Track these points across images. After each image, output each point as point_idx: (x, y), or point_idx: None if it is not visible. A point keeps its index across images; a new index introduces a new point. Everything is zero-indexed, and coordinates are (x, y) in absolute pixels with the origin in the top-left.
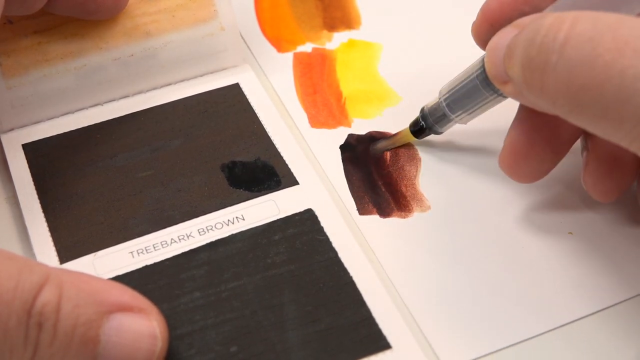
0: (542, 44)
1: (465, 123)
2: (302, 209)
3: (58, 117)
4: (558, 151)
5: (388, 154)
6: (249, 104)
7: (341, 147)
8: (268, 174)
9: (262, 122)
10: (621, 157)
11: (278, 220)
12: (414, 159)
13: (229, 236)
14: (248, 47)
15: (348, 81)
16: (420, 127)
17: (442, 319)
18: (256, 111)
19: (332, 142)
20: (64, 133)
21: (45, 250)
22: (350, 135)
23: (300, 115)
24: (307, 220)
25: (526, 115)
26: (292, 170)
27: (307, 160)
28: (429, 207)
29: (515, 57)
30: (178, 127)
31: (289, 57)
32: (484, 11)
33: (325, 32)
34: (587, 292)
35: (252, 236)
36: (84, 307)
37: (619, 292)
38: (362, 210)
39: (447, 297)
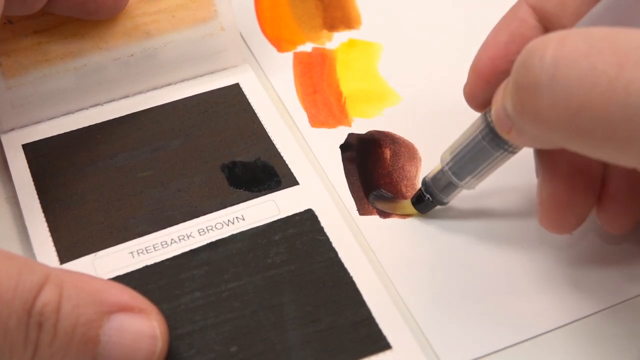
0: (527, 64)
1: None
2: (302, 209)
3: (58, 117)
4: (595, 188)
5: (388, 154)
6: (249, 104)
7: (341, 146)
8: (268, 174)
9: (262, 122)
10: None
11: (278, 220)
12: (414, 159)
13: (229, 236)
14: (248, 47)
15: (348, 81)
16: (426, 201)
17: (442, 319)
18: (256, 111)
19: (332, 141)
20: (64, 133)
21: (45, 250)
22: (351, 135)
23: (300, 115)
24: (307, 221)
25: (551, 165)
26: (292, 170)
27: (307, 160)
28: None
29: (508, 87)
30: (178, 127)
31: (289, 56)
32: (475, 70)
33: (325, 31)
34: (587, 292)
35: (252, 236)
36: (84, 307)
37: (619, 292)
38: (362, 210)
39: (447, 297)
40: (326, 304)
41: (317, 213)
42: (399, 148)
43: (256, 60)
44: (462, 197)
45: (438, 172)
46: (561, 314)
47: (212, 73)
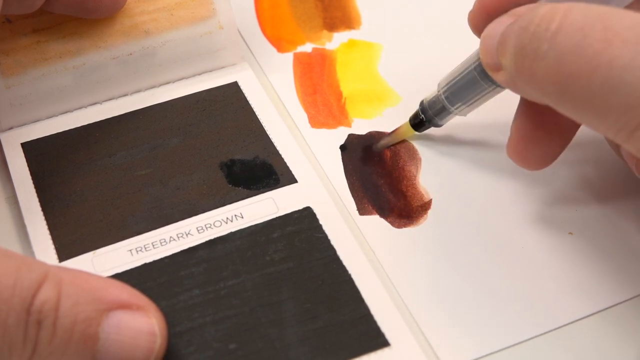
0: (535, 33)
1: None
2: (300, 207)
3: (57, 115)
4: (565, 133)
5: (388, 154)
6: (247, 102)
7: (341, 147)
8: (267, 172)
9: (261, 121)
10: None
11: (277, 218)
12: (414, 159)
13: (228, 234)
14: (248, 47)
15: (348, 81)
16: (420, 120)
17: (442, 319)
18: (254, 109)
19: (332, 142)
20: (63, 132)
21: (44, 248)
22: (351, 135)
23: (300, 115)
24: (305, 218)
25: (529, 101)
26: (291, 168)
27: (306, 159)
28: (430, 207)
29: (508, 45)
30: (177, 126)
31: (289, 57)
32: (480, 1)
33: (325, 32)
34: (587, 292)
35: (250, 234)
36: (83, 305)
37: (619, 292)
38: (362, 210)
39: (447, 297)
40: (325, 301)
41: (315, 211)
42: (398, 148)
43: (256, 61)
44: (463, 197)
45: (434, 96)
46: (561, 314)
47: (210, 71)
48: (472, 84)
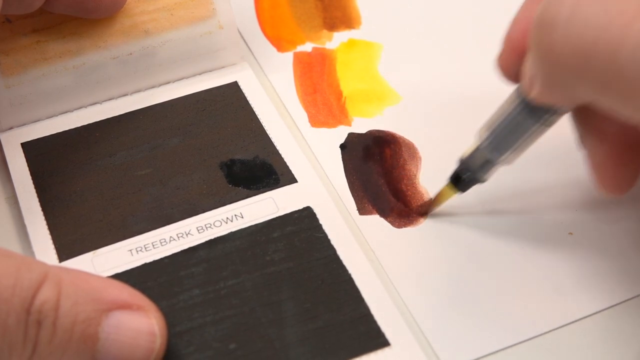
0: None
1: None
2: (300, 207)
3: (57, 115)
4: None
5: (388, 153)
6: (247, 102)
7: (341, 146)
8: (267, 172)
9: (261, 121)
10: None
11: (277, 218)
12: (415, 158)
13: (228, 234)
14: (248, 46)
15: (348, 80)
16: (463, 180)
17: (442, 319)
18: (254, 109)
19: (332, 141)
20: (63, 132)
21: (44, 248)
22: (351, 134)
23: (300, 115)
24: (305, 218)
25: (597, 129)
26: (291, 168)
27: (306, 159)
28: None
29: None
30: (177, 126)
31: (289, 56)
32: (508, 41)
33: (325, 31)
34: (587, 292)
35: (250, 234)
36: (83, 305)
37: (618, 292)
38: (362, 210)
39: (447, 297)
40: (325, 301)
41: (315, 211)
42: (399, 147)
43: (256, 60)
44: (463, 196)
45: (474, 150)
46: (561, 314)
47: (210, 71)
48: (518, 126)
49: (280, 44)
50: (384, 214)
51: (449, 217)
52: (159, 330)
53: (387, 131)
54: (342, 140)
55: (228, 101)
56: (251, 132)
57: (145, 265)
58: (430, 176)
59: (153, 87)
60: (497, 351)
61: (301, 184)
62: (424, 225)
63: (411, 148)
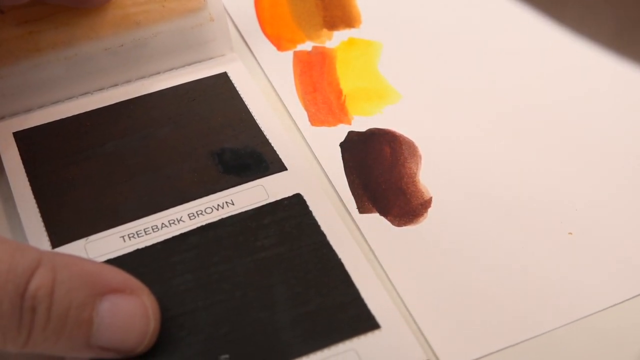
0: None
1: None
2: (290, 194)
3: (48, 105)
4: None
5: (388, 151)
6: (237, 92)
7: (341, 144)
8: (257, 160)
9: (250, 110)
10: None
11: (267, 204)
12: (415, 156)
13: (219, 220)
14: (248, 46)
15: (348, 79)
16: None
17: (442, 318)
18: (244, 99)
19: (332, 140)
20: (55, 121)
21: (37, 235)
22: (351, 133)
23: (300, 114)
24: (295, 205)
25: None
26: (281, 156)
27: (295, 147)
28: (430, 205)
29: None
30: (167, 115)
31: (289, 55)
32: None
33: (325, 30)
34: (587, 292)
35: (241, 220)
36: (77, 290)
37: (619, 292)
38: (362, 208)
39: (447, 296)
40: (315, 285)
41: (305, 198)
42: (399, 146)
43: (256, 60)
44: (463, 195)
45: None
46: (560, 314)
47: (200, 62)
48: None
49: (280, 43)
50: (384, 212)
51: (450, 216)
52: (152, 314)
53: (387, 129)
54: (342, 139)
55: (218, 91)
56: (241, 122)
57: (137, 251)
58: (430, 174)
59: (143, 77)
60: (497, 351)
61: (291, 172)
62: (425, 224)
63: (411, 146)
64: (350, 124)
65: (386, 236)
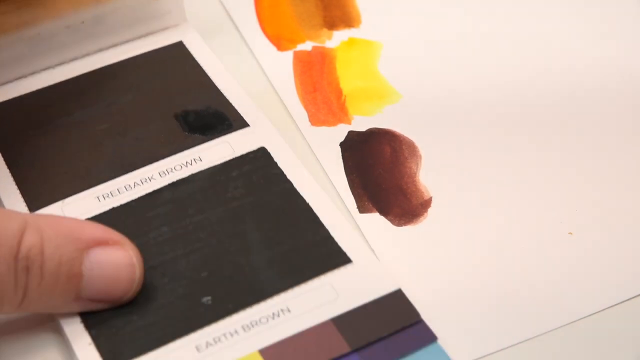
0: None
1: None
2: (255, 148)
3: (12, 81)
4: None
5: (388, 150)
6: (194, 59)
7: (341, 144)
8: (219, 119)
9: (209, 74)
10: None
11: (234, 159)
12: (415, 156)
13: (189, 176)
14: (248, 45)
15: (348, 79)
16: None
17: (442, 317)
18: (201, 65)
19: (332, 139)
20: (20, 96)
21: (14, 202)
22: (351, 132)
23: (300, 114)
24: (261, 157)
25: None
26: (242, 114)
27: (255, 105)
28: (430, 204)
29: None
30: (128, 84)
31: (289, 55)
32: None
33: (325, 30)
34: (587, 292)
35: (210, 175)
36: (65, 247)
37: (619, 292)
38: (362, 208)
39: (447, 296)
40: (286, 228)
41: (269, 150)
42: (399, 145)
43: (256, 59)
44: (463, 195)
45: None
46: (560, 314)
47: (156, 32)
48: None
49: (280, 43)
50: (384, 212)
51: (450, 216)
52: (137, 262)
53: (387, 129)
54: (342, 139)
55: (175, 59)
56: (201, 85)
57: (113, 209)
58: (430, 174)
59: (101, 50)
60: (497, 351)
61: (253, 128)
62: (425, 224)
63: (411, 146)
64: (350, 124)
65: (386, 236)
